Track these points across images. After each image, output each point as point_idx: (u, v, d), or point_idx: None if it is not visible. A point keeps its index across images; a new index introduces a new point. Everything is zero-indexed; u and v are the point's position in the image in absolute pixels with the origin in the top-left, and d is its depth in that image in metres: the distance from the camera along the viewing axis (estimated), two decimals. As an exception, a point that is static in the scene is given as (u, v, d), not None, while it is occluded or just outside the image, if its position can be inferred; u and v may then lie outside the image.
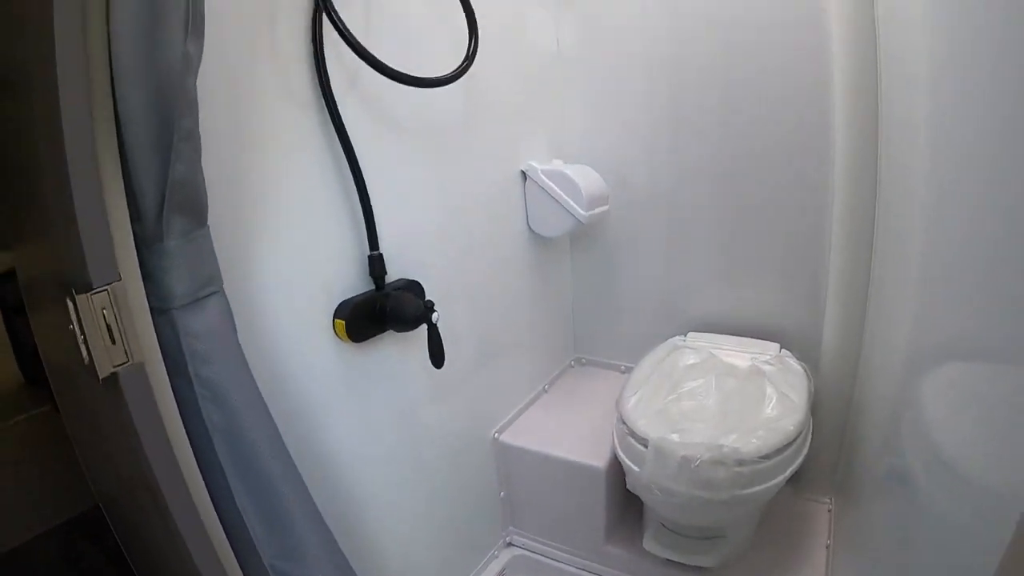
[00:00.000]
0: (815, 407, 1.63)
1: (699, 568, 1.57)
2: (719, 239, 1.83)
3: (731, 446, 1.30)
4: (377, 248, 1.19)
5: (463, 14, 1.30)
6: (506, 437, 1.73)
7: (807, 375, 1.60)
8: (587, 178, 1.72)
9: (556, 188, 1.68)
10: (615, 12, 1.79)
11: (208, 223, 0.83)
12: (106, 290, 0.67)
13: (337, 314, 1.14)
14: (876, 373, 1.45)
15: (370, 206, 1.17)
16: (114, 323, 0.68)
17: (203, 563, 0.81)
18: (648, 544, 1.59)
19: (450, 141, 1.45)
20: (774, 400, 1.46)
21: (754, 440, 1.33)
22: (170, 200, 0.74)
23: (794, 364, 1.63)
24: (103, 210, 0.67)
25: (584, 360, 2.19)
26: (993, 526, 0.62)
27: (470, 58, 1.29)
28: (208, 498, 0.85)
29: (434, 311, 1.19)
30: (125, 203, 0.73)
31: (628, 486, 1.46)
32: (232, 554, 0.87)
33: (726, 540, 1.55)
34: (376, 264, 1.19)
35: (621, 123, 1.86)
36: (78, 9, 0.63)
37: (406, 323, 1.20)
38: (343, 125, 1.10)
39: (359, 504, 1.27)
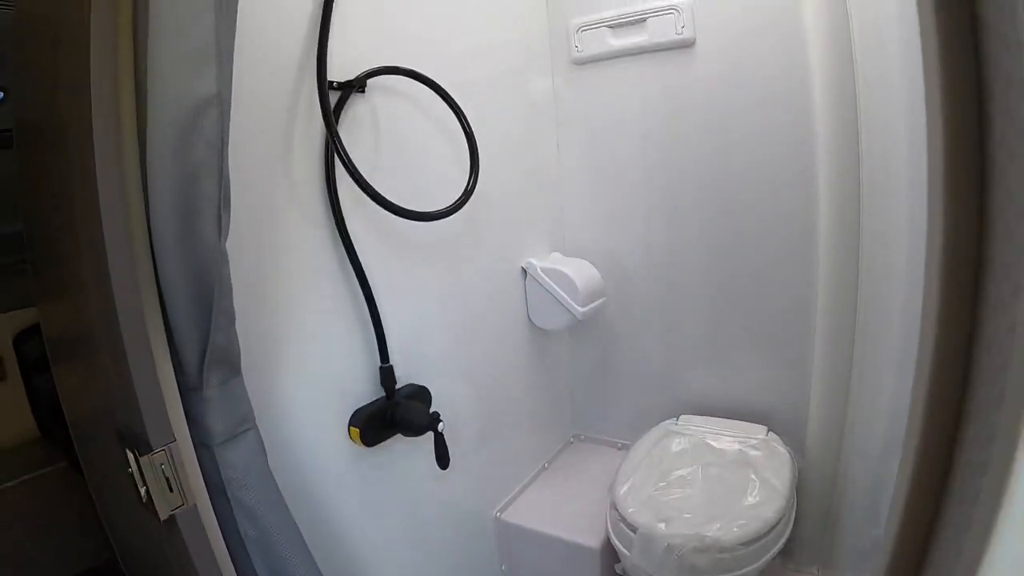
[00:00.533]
0: (801, 482, 1.74)
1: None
2: (710, 324, 1.96)
3: (713, 536, 1.42)
4: (387, 360, 1.34)
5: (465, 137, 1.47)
6: (508, 516, 1.85)
7: (792, 459, 1.71)
8: (583, 274, 1.86)
9: (554, 285, 1.82)
10: (613, 110, 1.95)
11: (240, 371, 0.97)
12: (164, 450, 0.81)
13: (352, 422, 1.28)
14: (859, 449, 1.56)
15: (380, 321, 1.31)
16: (171, 475, 0.82)
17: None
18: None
19: (454, 248, 1.60)
20: (757, 487, 1.57)
21: (735, 528, 1.44)
22: (209, 360, 0.89)
23: (780, 449, 1.74)
24: (157, 381, 0.82)
25: (583, 437, 2.31)
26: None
27: (468, 193, 1.44)
28: None
29: (440, 421, 1.32)
30: (172, 370, 0.88)
31: (617, 570, 1.57)
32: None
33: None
34: (387, 375, 1.33)
35: (617, 216, 2.01)
36: (122, 224, 0.78)
37: (415, 431, 1.33)
38: (354, 247, 1.25)
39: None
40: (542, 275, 1.84)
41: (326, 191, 1.22)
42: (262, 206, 1.10)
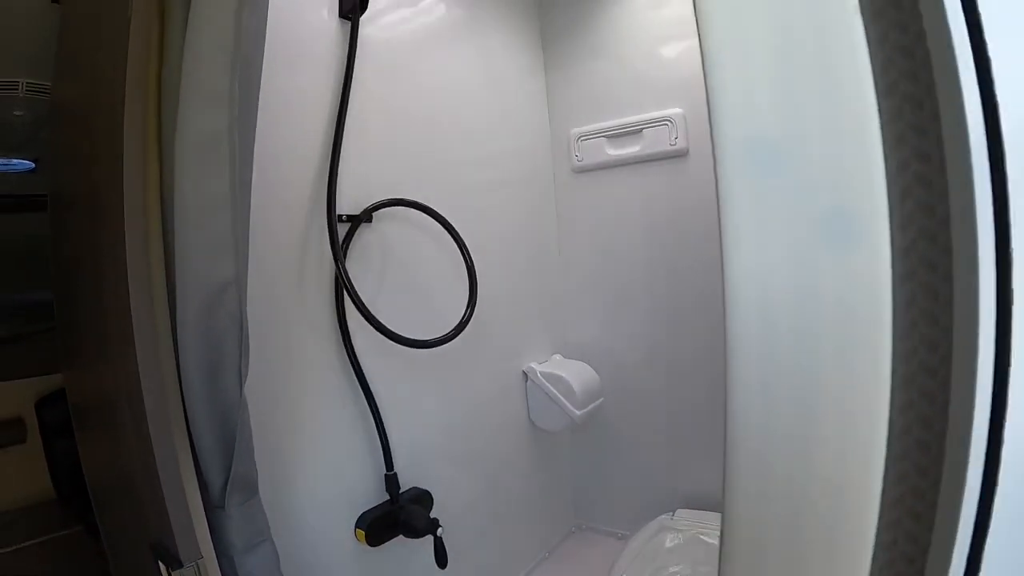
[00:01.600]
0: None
1: None
2: (708, 419, 2.04)
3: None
4: (392, 467, 1.47)
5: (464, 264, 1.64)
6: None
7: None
8: (581, 378, 1.99)
9: (552, 389, 1.95)
10: (612, 216, 2.11)
11: (258, 491, 1.11)
12: (193, 565, 0.95)
13: (359, 524, 1.41)
14: None
15: (385, 432, 1.45)
16: (200, 587, 0.95)
17: None
18: None
19: (458, 354, 1.72)
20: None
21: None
22: (231, 486, 1.02)
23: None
24: (187, 504, 0.96)
25: (584, 527, 2.38)
26: None
27: (463, 324, 1.59)
28: None
29: (439, 526, 1.44)
30: (199, 493, 1.02)
31: None
32: None
33: None
34: (392, 483, 1.46)
35: (616, 317, 2.15)
36: (157, 379, 0.94)
37: (416, 534, 1.45)
38: (360, 365, 1.41)
39: None
40: (542, 379, 1.97)
41: (335, 316, 1.39)
42: (277, 335, 1.27)
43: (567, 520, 2.38)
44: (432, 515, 1.50)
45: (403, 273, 1.57)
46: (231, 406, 0.98)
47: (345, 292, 1.35)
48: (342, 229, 1.39)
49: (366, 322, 1.35)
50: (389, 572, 1.51)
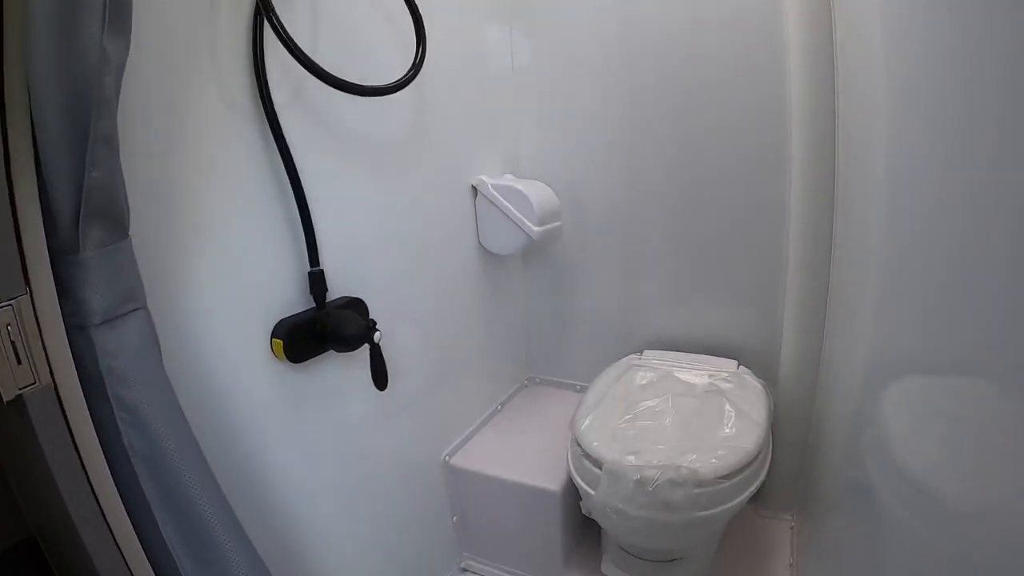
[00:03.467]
0: (774, 424, 1.61)
1: (659, 592, 1.53)
2: (675, 256, 1.80)
3: (689, 467, 1.26)
4: (318, 264, 1.13)
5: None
6: (457, 460, 1.67)
7: (766, 392, 1.57)
8: (539, 193, 1.68)
9: (507, 203, 1.64)
10: (571, 27, 1.76)
11: (130, 234, 0.76)
12: (10, 305, 0.60)
13: (275, 333, 1.07)
14: (836, 388, 1.43)
15: (310, 220, 1.10)
16: (20, 341, 0.60)
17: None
18: (606, 568, 1.54)
19: (398, 154, 1.39)
20: (733, 418, 1.43)
21: (713, 460, 1.29)
22: (86, 207, 0.67)
23: (752, 381, 1.61)
24: (9, 216, 0.61)
25: (538, 380, 2.14)
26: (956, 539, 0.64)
27: (417, 66, 1.24)
28: (131, 531, 0.78)
29: (376, 330, 1.13)
30: (39, 210, 0.67)
31: (583, 510, 1.41)
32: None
33: (686, 562, 1.51)
34: (316, 281, 1.13)
35: (576, 139, 1.83)
36: None
37: (347, 343, 1.13)
38: (283, 135, 1.03)
39: (300, 535, 1.19)
40: (494, 193, 1.65)
41: (253, 69, 1.00)
42: (176, 78, 0.89)
43: (520, 372, 2.13)
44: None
45: (339, 39, 1.19)
46: (88, 67, 0.64)
47: (269, 25, 0.96)
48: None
49: (295, 96, 1.06)
50: (314, 395, 1.19)
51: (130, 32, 0.70)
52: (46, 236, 0.68)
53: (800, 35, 1.46)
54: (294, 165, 1.06)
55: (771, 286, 1.67)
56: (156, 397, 0.76)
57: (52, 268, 0.68)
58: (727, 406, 1.48)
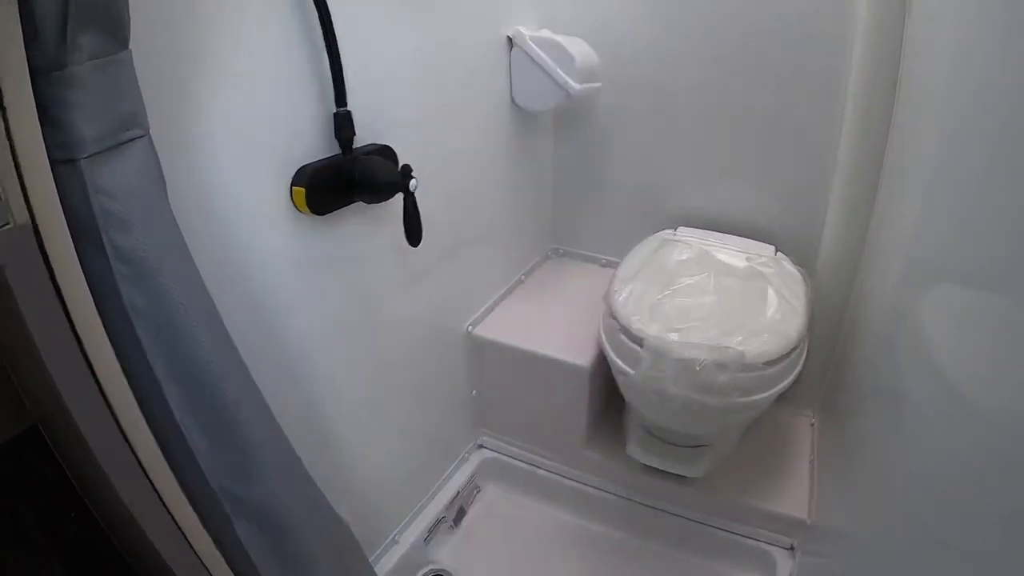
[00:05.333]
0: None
1: (681, 477, 1.49)
2: (715, 129, 1.65)
3: (736, 349, 1.18)
4: (345, 104, 0.98)
5: None
6: (481, 331, 1.59)
7: (804, 280, 1.48)
8: (580, 48, 1.51)
9: (546, 57, 1.47)
10: None
11: (130, 45, 0.61)
12: None
13: (296, 180, 0.95)
14: (873, 286, 1.33)
15: (338, 52, 0.95)
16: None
17: (129, 491, 0.64)
18: (631, 450, 1.50)
19: None
20: (775, 304, 1.34)
21: (758, 344, 1.21)
22: (75, 9, 0.53)
23: (790, 268, 1.51)
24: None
25: (562, 251, 2.03)
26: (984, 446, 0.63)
27: None
28: (136, 407, 0.66)
29: (412, 177, 1.01)
30: (15, 11, 0.52)
31: (620, 387, 1.34)
32: (172, 476, 0.70)
33: (711, 449, 1.47)
34: (343, 123, 0.99)
35: None
36: None
37: (378, 192, 1.02)
38: None
39: (317, 403, 1.12)
40: (532, 46, 1.48)
41: None
42: None
43: (544, 241, 2.01)
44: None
45: None
46: None
47: None
48: None
49: None
50: (336, 252, 1.09)
51: None
52: (26, 49, 0.53)
53: None
54: None
55: (818, 171, 1.53)
56: (160, 244, 0.63)
57: (33, 86, 0.54)
58: (770, 289, 1.38)
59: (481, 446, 1.74)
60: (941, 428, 0.79)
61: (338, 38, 0.94)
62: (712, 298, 1.35)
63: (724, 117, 1.62)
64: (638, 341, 1.25)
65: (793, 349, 1.27)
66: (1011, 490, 0.55)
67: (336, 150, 1.01)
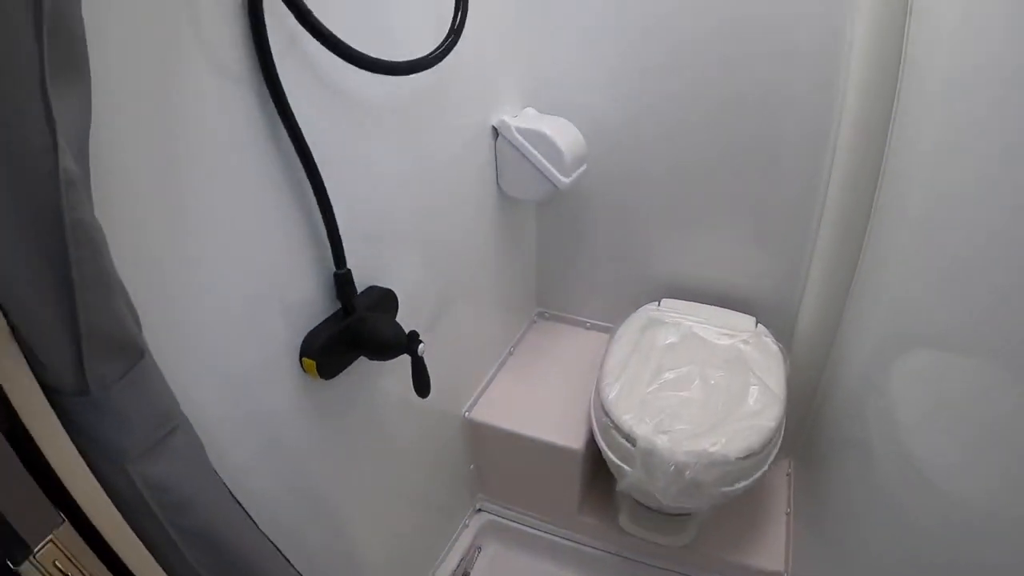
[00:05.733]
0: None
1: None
2: (697, 196, 1.70)
3: (720, 452, 1.27)
4: (344, 265, 1.02)
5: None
6: (476, 414, 1.66)
7: (784, 358, 1.56)
8: (567, 137, 1.54)
9: (533, 150, 1.50)
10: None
11: (146, 348, 0.62)
12: (51, 541, 0.51)
13: (305, 351, 0.99)
14: (851, 350, 1.43)
15: (331, 209, 0.96)
16: (70, 567, 0.53)
17: None
18: (623, 522, 1.59)
19: (419, 102, 1.22)
20: (756, 393, 1.42)
21: (740, 441, 1.30)
22: (89, 350, 0.55)
23: (771, 345, 1.59)
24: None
25: (548, 315, 2.10)
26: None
27: (457, 30, 1.07)
28: None
29: (420, 342, 1.06)
30: (36, 385, 0.54)
31: (618, 488, 1.42)
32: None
33: (696, 517, 1.57)
34: (345, 284, 1.02)
35: (600, 69, 1.64)
36: None
37: (386, 355, 1.07)
38: (289, 106, 0.83)
39: (329, 493, 1.18)
40: (518, 137, 1.51)
41: (249, 29, 0.78)
42: (148, 71, 0.67)
43: (530, 307, 2.08)
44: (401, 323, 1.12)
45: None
46: (39, 176, 0.48)
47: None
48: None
49: (292, 48, 0.84)
50: (351, 409, 1.15)
51: (88, 80, 0.53)
52: (44, 376, 0.55)
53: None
54: (303, 139, 0.87)
55: (800, 239, 1.60)
56: (221, 513, 0.69)
57: (58, 408, 0.56)
58: (750, 376, 1.47)
59: (480, 509, 1.83)
60: (898, 486, 0.98)
61: (329, 188, 0.94)
62: (697, 393, 1.43)
63: (706, 190, 1.67)
64: (630, 440, 1.33)
65: (773, 438, 1.36)
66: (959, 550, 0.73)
67: (333, 296, 1.04)
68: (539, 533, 1.77)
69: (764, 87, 1.49)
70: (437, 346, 1.42)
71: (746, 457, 1.30)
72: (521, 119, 1.57)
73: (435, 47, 1.06)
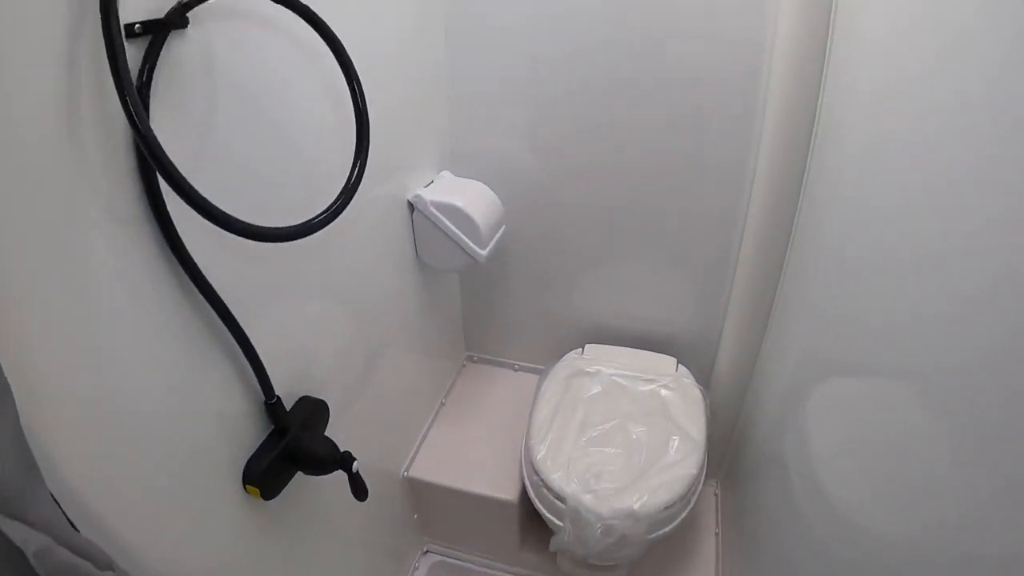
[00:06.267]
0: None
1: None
2: (616, 240, 1.78)
3: (643, 508, 1.38)
4: (273, 394, 1.06)
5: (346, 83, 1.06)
6: (415, 472, 1.73)
7: (704, 399, 1.68)
8: (483, 207, 1.58)
9: (449, 224, 1.54)
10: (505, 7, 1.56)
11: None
12: None
13: (248, 479, 1.03)
14: (771, 374, 1.56)
15: (253, 351, 0.99)
16: None
17: None
18: (561, 565, 1.69)
19: (328, 188, 1.10)
20: (677, 442, 1.53)
21: (663, 494, 1.41)
22: None
23: (693, 389, 1.70)
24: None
25: (476, 358, 2.17)
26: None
27: (351, 189, 1.05)
28: None
29: (353, 460, 1.13)
30: None
31: (551, 548, 1.52)
32: None
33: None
34: (277, 411, 1.08)
35: (512, 122, 1.69)
36: None
37: (322, 472, 1.13)
38: (194, 264, 0.84)
39: None
40: (434, 212, 1.54)
41: (144, 194, 0.78)
42: (42, 233, 0.66)
43: (459, 353, 2.15)
44: (331, 429, 1.20)
45: (249, 107, 0.97)
46: None
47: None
48: (136, 48, 0.74)
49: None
50: (296, 521, 1.21)
51: None
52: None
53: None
54: (205, 277, 0.87)
55: (718, 279, 1.72)
56: None
57: None
58: (670, 425, 1.57)
59: (427, 551, 1.91)
60: (809, 502, 1.14)
61: (246, 324, 0.96)
62: (621, 448, 1.53)
63: (626, 229, 1.75)
64: (560, 498, 1.43)
65: (694, 483, 1.47)
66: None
67: (269, 424, 1.10)
68: (485, 570, 1.87)
69: (679, 125, 1.55)
70: (369, 410, 1.48)
71: (670, 507, 1.41)
72: (436, 189, 1.59)
73: (325, 208, 1.01)
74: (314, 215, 0.98)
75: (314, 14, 0.96)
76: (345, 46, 1.02)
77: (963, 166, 0.71)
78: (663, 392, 1.68)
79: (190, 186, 0.72)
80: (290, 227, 0.92)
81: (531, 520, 1.81)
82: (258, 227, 0.84)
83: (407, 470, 1.73)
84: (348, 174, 1.07)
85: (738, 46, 1.42)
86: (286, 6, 0.93)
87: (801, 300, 1.39)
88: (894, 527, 0.82)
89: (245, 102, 0.96)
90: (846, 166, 1.16)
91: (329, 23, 0.98)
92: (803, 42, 1.32)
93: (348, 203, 1.05)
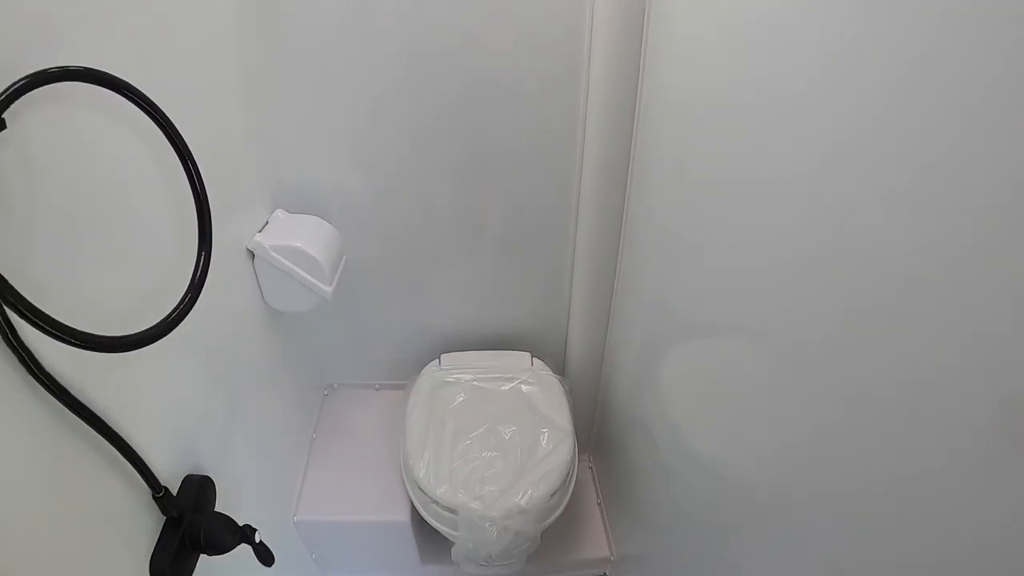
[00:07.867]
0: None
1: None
2: (457, 245, 1.83)
3: (529, 501, 1.50)
4: (160, 488, 1.02)
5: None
6: (303, 515, 1.74)
7: (563, 386, 1.81)
8: (321, 240, 1.58)
9: (292, 267, 1.51)
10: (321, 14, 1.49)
11: None
12: None
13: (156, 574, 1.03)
14: (622, 345, 1.74)
15: (131, 449, 0.93)
16: None
17: None
18: (465, 569, 1.76)
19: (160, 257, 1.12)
20: (547, 434, 1.65)
21: (544, 486, 1.53)
22: None
23: (550, 378, 1.83)
24: None
25: (336, 385, 2.18)
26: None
27: (197, 286, 1.01)
28: None
29: (255, 530, 1.14)
30: None
31: (452, 559, 1.59)
32: None
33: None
34: (167, 502, 1.06)
35: (334, 146, 1.67)
36: None
37: (226, 550, 1.13)
38: (49, 375, 0.79)
39: None
40: (275, 256, 1.50)
41: None
42: None
43: (319, 384, 2.14)
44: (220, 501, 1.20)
45: (77, 207, 0.89)
46: None
47: None
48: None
49: None
50: None
51: None
52: None
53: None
54: (83, 405, 0.85)
55: (558, 270, 1.85)
56: None
57: None
58: (537, 418, 1.70)
59: (331, 584, 1.93)
60: (671, 451, 1.38)
61: (120, 426, 0.93)
62: (496, 448, 1.63)
63: (461, 238, 1.81)
64: (451, 510, 1.51)
65: (569, 469, 1.61)
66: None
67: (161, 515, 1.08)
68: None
69: (510, 138, 1.62)
70: (248, 468, 1.48)
71: (553, 495, 1.54)
72: (273, 232, 1.55)
73: (175, 306, 0.96)
74: (166, 313, 0.94)
75: (144, 96, 0.89)
76: (167, 114, 0.94)
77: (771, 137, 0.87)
78: (524, 388, 1.79)
79: (45, 315, 0.68)
80: (147, 331, 0.88)
81: (426, 534, 1.87)
82: (119, 338, 0.81)
83: (295, 514, 1.73)
84: (193, 268, 1.03)
85: (558, 40, 1.48)
86: (131, 99, 0.88)
87: (639, 274, 1.57)
88: (748, 462, 1.01)
89: (73, 202, 0.88)
90: (666, 139, 1.32)
91: (138, 86, 0.89)
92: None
93: (197, 299, 1.01)
